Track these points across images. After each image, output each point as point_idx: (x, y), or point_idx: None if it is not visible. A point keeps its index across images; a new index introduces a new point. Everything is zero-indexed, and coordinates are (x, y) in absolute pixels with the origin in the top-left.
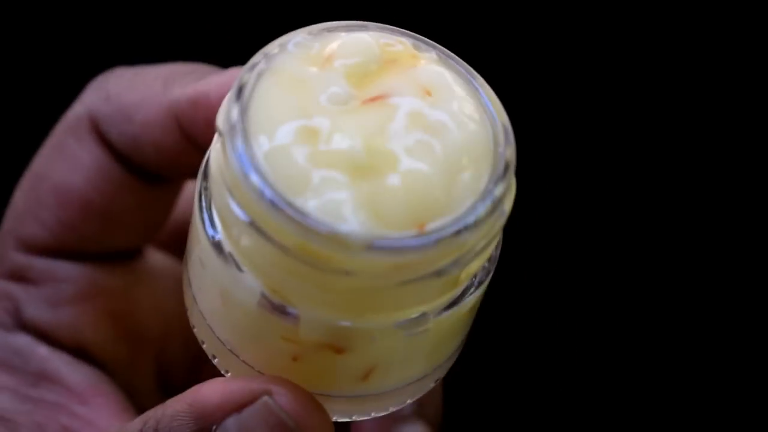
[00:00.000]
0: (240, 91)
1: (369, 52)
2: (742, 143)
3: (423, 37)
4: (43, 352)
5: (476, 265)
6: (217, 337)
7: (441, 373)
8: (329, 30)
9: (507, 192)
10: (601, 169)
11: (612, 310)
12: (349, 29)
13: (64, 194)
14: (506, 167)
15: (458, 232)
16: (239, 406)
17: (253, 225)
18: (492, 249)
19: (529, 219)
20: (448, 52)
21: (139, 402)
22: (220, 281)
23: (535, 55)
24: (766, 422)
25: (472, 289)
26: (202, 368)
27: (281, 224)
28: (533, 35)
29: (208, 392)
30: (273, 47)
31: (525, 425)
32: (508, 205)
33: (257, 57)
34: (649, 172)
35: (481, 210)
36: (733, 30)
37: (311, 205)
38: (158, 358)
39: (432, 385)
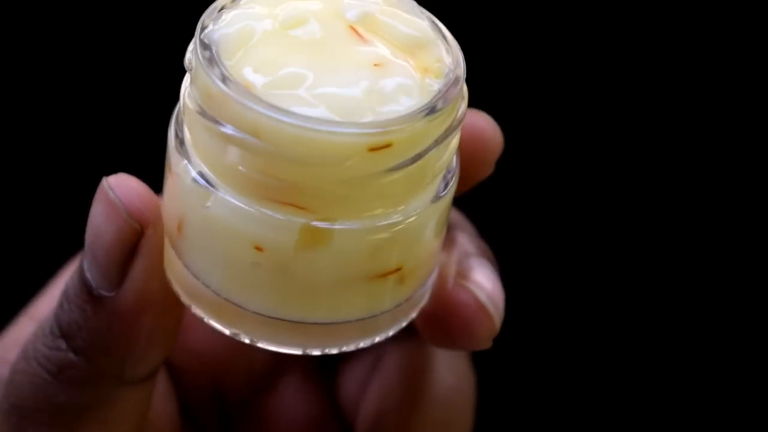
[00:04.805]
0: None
1: None
2: (742, 143)
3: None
4: None
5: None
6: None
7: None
8: None
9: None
10: (601, 168)
11: (612, 308)
12: None
13: None
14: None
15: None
16: None
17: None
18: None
19: (528, 218)
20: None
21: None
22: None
23: (536, 55)
24: (766, 422)
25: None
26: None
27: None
28: (533, 35)
29: None
30: None
31: (525, 424)
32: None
33: None
34: (648, 171)
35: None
36: (733, 30)
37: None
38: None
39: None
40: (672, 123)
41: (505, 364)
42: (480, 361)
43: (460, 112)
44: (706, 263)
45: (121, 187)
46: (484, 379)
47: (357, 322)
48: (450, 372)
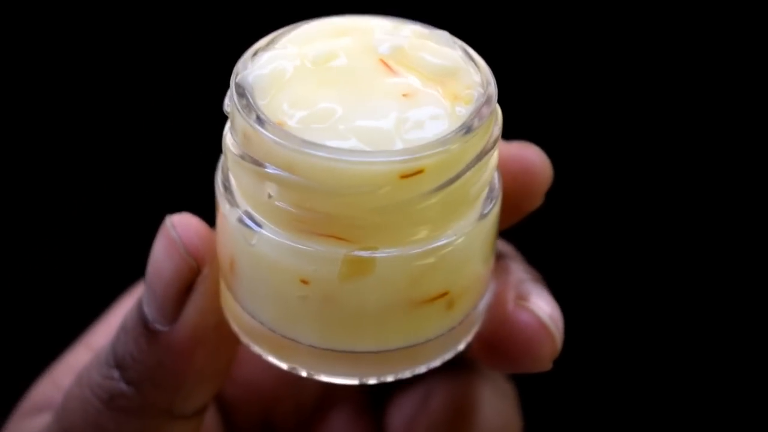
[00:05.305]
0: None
1: None
2: (742, 143)
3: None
4: None
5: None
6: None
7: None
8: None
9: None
10: (602, 168)
11: (612, 309)
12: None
13: None
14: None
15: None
16: None
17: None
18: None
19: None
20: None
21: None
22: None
23: (536, 55)
24: (766, 422)
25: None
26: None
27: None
28: (534, 34)
29: None
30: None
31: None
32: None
33: None
34: (649, 171)
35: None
36: (733, 30)
37: None
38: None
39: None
40: (671, 124)
41: (556, 398)
42: (527, 395)
43: (495, 133)
44: (706, 263)
45: (182, 225)
46: (531, 415)
47: (409, 348)
48: (497, 413)
